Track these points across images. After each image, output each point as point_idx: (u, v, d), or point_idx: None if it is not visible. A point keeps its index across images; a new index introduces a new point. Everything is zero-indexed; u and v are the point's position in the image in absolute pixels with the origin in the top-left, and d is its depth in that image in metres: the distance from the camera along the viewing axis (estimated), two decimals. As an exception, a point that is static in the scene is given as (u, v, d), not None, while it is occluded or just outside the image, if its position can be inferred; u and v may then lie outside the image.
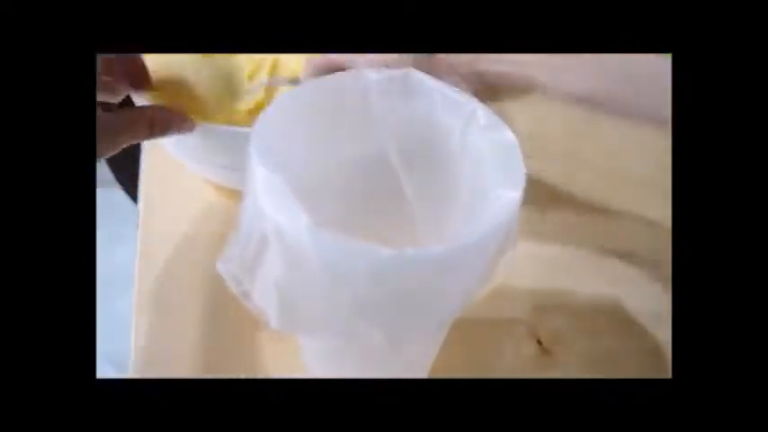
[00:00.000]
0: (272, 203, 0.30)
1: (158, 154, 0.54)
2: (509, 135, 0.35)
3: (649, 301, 0.48)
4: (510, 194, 0.32)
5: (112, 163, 1.21)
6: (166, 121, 0.41)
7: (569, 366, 0.45)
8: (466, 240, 0.30)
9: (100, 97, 0.40)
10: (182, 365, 0.44)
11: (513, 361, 0.45)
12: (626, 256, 0.51)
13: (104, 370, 0.99)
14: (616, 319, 0.48)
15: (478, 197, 0.36)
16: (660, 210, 0.53)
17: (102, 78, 0.40)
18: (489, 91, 0.38)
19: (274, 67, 0.54)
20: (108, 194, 0.97)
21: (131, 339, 0.45)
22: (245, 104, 0.52)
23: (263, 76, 0.53)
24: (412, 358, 0.40)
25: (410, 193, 0.41)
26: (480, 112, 0.36)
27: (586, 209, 0.55)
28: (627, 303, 0.48)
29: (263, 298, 0.32)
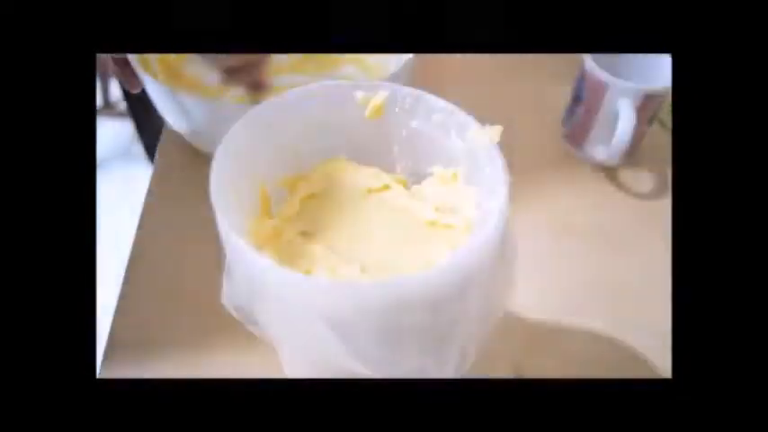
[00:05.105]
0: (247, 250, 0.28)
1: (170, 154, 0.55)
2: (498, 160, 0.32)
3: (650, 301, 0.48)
4: (494, 209, 0.29)
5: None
6: None
7: (567, 366, 0.45)
8: (449, 261, 0.28)
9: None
10: (179, 366, 0.44)
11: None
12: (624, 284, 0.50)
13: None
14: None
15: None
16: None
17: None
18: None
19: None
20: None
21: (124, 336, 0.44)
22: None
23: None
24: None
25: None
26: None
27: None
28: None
29: (267, 325, 0.32)
